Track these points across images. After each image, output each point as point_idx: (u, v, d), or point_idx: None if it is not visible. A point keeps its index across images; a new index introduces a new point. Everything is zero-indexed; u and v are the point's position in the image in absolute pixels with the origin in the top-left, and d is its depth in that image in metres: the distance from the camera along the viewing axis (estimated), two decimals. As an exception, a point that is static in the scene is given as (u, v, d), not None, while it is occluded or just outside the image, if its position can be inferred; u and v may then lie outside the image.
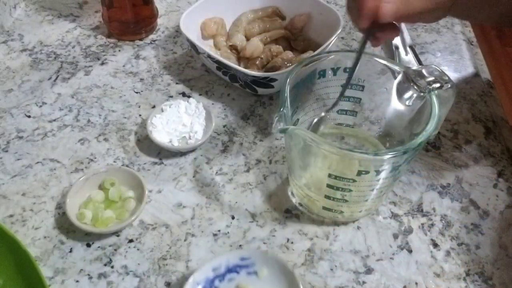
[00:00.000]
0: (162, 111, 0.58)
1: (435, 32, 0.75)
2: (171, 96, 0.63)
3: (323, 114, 0.51)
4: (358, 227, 0.51)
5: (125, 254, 0.48)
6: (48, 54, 0.68)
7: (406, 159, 0.43)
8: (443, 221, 0.52)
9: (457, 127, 0.61)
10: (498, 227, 0.51)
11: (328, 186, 0.46)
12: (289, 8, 0.69)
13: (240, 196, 0.53)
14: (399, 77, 0.47)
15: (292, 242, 0.49)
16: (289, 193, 0.53)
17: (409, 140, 0.42)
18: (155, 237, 0.49)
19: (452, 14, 0.48)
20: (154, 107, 0.61)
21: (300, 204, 0.52)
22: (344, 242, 0.50)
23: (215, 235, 0.50)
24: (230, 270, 0.45)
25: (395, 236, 0.50)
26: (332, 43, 0.61)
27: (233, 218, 0.51)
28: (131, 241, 0.49)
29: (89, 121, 0.60)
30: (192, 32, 0.63)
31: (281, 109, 0.42)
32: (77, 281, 0.46)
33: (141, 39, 0.71)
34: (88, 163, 0.55)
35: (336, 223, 0.51)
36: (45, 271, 0.46)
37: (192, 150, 0.57)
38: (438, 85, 0.44)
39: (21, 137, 0.57)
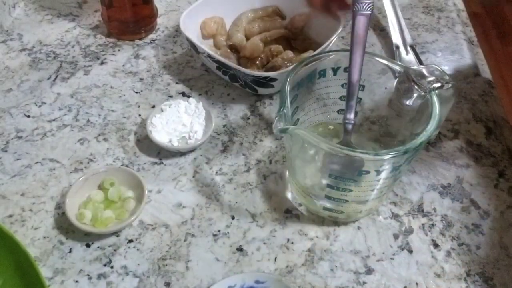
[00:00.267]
0: (162, 111, 0.58)
1: (435, 31, 0.75)
2: (171, 96, 0.63)
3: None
4: (359, 227, 0.51)
5: (124, 255, 0.48)
6: (47, 54, 0.68)
7: (406, 159, 0.43)
8: (444, 221, 0.51)
9: (458, 127, 0.61)
10: (499, 228, 0.51)
11: (329, 186, 0.45)
12: (289, 7, 0.69)
13: (240, 196, 0.53)
14: (400, 77, 0.47)
15: (292, 242, 0.49)
16: (289, 193, 0.53)
17: (410, 140, 0.42)
18: (155, 237, 0.49)
19: None
20: (153, 107, 0.61)
21: (300, 204, 0.52)
22: (344, 242, 0.49)
23: (215, 235, 0.49)
24: None
25: (396, 236, 0.50)
26: (332, 42, 0.61)
27: (233, 218, 0.51)
28: (130, 241, 0.49)
29: (88, 121, 0.59)
30: (192, 32, 0.63)
31: (281, 109, 0.42)
32: (76, 282, 0.46)
33: (140, 39, 0.71)
34: (88, 163, 0.55)
35: (336, 223, 0.51)
36: (45, 272, 0.46)
37: (192, 150, 0.57)
38: (438, 84, 0.44)
39: (20, 137, 0.57)
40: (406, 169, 0.47)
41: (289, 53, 0.63)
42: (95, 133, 0.58)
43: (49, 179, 0.53)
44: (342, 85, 0.50)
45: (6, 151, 0.56)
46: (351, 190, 0.45)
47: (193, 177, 0.54)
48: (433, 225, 0.51)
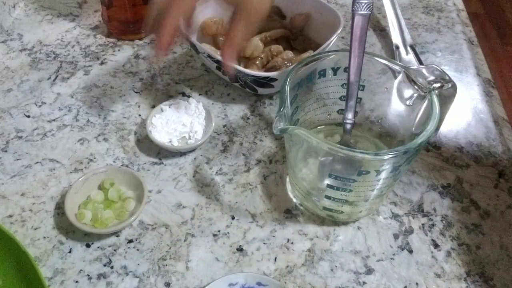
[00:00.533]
0: (162, 111, 0.58)
1: (435, 31, 0.75)
2: (171, 96, 0.63)
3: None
4: (359, 227, 0.51)
5: (124, 255, 0.48)
6: (47, 54, 0.68)
7: (406, 159, 0.43)
8: (444, 221, 0.51)
9: (458, 127, 0.61)
10: (499, 228, 0.51)
11: (328, 186, 0.45)
12: (289, 7, 0.69)
13: (240, 196, 0.53)
14: (400, 77, 0.47)
15: (292, 243, 0.49)
16: (289, 193, 0.53)
17: (410, 140, 0.42)
18: (155, 238, 0.49)
19: None
20: (153, 107, 0.61)
21: (300, 204, 0.52)
22: (344, 242, 0.49)
23: (215, 235, 0.49)
24: None
25: (396, 237, 0.50)
26: (332, 42, 0.61)
27: (233, 218, 0.51)
28: (130, 241, 0.49)
29: (88, 121, 0.59)
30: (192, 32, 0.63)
31: (281, 109, 0.42)
32: (76, 282, 0.46)
33: (140, 39, 0.71)
34: (88, 163, 0.55)
35: (336, 223, 0.51)
36: (45, 272, 0.46)
37: (192, 150, 0.57)
38: (438, 84, 0.44)
39: (20, 137, 0.57)
40: (406, 169, 0.47)
41: (289, 53, 0.63)
42: (95, 133, 0.58)
43: (49, 179, 0.53)
44: (342, 85, 0.50)
45: (6, 151, 0.56)
46: (351, 190, 0.45)
47: (193, 177, 0.54)
48: (433, 225, 0.51)
